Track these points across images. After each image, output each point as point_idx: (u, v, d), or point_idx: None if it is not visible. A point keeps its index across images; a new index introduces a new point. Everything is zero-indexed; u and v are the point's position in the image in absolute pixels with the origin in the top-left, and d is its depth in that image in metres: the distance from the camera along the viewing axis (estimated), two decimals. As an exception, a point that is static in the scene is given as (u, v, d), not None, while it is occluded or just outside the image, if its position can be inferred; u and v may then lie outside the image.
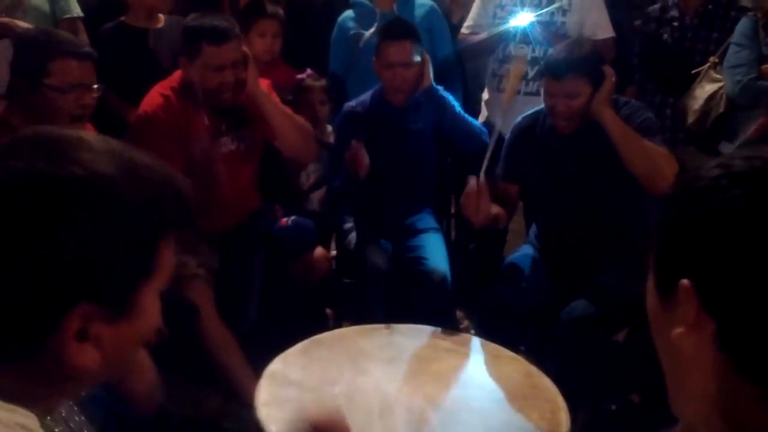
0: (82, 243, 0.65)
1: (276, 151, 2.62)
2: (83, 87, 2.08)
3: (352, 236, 2.75)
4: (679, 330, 0.63)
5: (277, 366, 1.82)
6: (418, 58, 2.59)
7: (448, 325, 2.30)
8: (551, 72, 2.30)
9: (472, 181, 2.24)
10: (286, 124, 2.51)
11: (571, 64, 2.26)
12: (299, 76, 2.96)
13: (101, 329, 0.66)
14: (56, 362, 0.66)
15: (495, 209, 2.34)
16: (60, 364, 0.66)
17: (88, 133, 0.72)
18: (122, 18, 2.96)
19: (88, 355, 0.66)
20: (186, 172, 2.43)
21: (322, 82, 2.94)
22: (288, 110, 2.57)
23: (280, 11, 2.99)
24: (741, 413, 0.62)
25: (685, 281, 0.62)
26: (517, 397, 1.79)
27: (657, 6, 3.07)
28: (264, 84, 2.52)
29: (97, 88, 2.11)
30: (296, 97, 2.92)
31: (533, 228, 2.66)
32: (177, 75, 2.45)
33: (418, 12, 3.08)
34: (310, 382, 1.78)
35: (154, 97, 2.40)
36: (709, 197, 0.62)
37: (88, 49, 2.16)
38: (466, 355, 2.00)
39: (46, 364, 0.66)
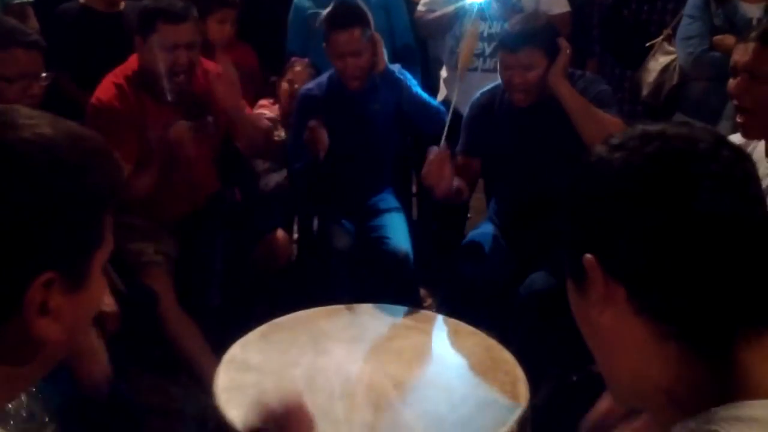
0: (39, 207, 0.65)
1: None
2: (30, 76, 2.04)
3: (315, 218, 2.73)
4: (597, 310, 0.67)
5: (236, 351, 1.81)
6: (368, 43, 2.56)
7: (412, 304, 2.31)
8: (507, 44, 2.30)
9: (434, 149, 2.23)
10: (254, 132, 2.58)
11: (526, 36, 2.26)
12: (294, 58, 2.96)
13: (60, 301, 0.67)
14: (21, 340, 0.66)
15: (457, 182, 2.35)
16: (24, 342, 0.66)
17: (21, 106, 0.72)
18: (82, 1, 2.89)
19: (51, 328, 0.67)
20: (142, 159, 2.41)
21: (313, 70, 2.92)
22: (253, 115, 2.62)
23: None
24: (666, 375, 0.64)
25: (588, 256, 0.66)
26: (478, 371, 1.80)
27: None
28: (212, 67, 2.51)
29: (45, 77, 2.07)
30: (281, 76, 2.93)
31: (492, 204, 2.68)
32: (130, 63, 2.42)
33: None
34: (270, 366, 1.77)
35: (106, 86, 2.37)
36: (595, 170, 0.68)
37: (35, 37, 2.12)
38: (426, 332, 2.01)
39: (11, 342, 0.66)
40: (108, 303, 1.98)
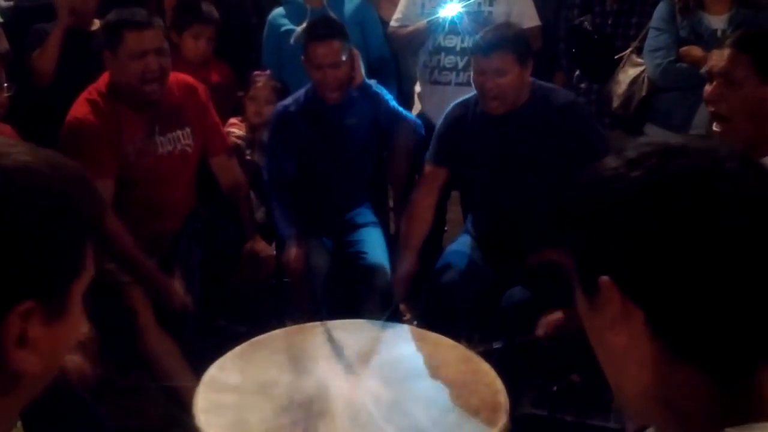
0: (22, 234, 0.63)
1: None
2: None
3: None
4: (612, 329, 0.64)
5: (214, 372, 1.80)
6: (346, 57, 2.58)
7: (391, 318, 2.32)
8: (479, 49, 2.34)
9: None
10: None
11: (498, 41, 2.31)
12: (256, 72, 2.94)
13: (39, 332, 0.65)
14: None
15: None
16: (2, 374, 0.65)
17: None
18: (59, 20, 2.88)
19: (30, 359, 0.65)
20: (121, 176, 2.39)
21: (276, 84, 2.92)
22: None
23: (216, 13, 2.95)
24: (677, 396, 0.63)
25: (604, 278, 0.63)
26: (458, 384, 1.81)
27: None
28: (201, 90, 2.55)
29: (8, 87, 2.08)
30: (246, 92, 2.92)
31: (469, 216, 2.69)
32: (101, 81, 2.41)
33: (348, 7, 3.07)
34: (249, 386, 1.76)
35: (81, 104, 2.35)
36: (612, 187, 0.63)
37: None
38: (406, 346, 2.01)
39: None
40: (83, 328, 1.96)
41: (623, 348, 0.64)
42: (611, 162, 0.65)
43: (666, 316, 0.61)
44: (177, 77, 2.50)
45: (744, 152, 0.64)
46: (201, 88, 2.59)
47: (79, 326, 0.73)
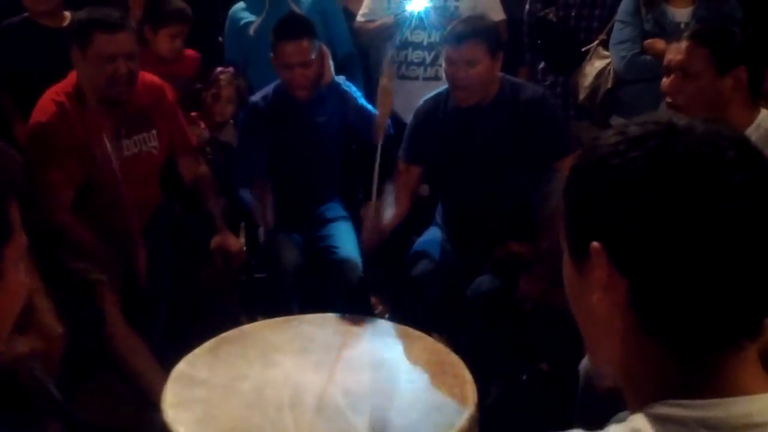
0: None
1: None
2: None
3: (262, 230, 2.73)
4: (594, 295, 0.66)
5: (183, 367, 1.80)
6: (316, 55, 2.57)
7: (363, 312, 2.33)
8: (451, 39, 2.36)
9: (368, 210, 2.35)
10: None
11: (470, 31, 2.33)
12: (219, 69, 2.91)
13: None
14: None
15: (389, 214, 2.39)
16: None
17: None
18: (27, 14, 2.82)
19: None
20: (87, 178, 2.36)
21: (240, 83, 2.89)
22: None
23: (189, 10, 2.93)
24: (638, 367, 0.66)
25: (595, 243, 0.65)
26: (426, 376, 1.82)
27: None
28: (168, 90, 2.53)
29: None
30: (206, 87, 2.89)
31: (439, 209, 2.71)
32: (70, 78, 2.37)
33: None
34: (218, 380, 1.76)
35: (46, 105, 2.30)
36: (610, 162, 0.65)
37: None
38: (374, 339, 2.02)
39: None
40: (52, 326, 1.94)
41: (602, 314, 0.66)
42: (613, 137, 0.67)
43: (647, 289, 0.63)
44: (144, 78, 2.46)
45: (745, 139, 0.66)
46: (168, 88, 2.56)
47: (18, 293, 0.74)
